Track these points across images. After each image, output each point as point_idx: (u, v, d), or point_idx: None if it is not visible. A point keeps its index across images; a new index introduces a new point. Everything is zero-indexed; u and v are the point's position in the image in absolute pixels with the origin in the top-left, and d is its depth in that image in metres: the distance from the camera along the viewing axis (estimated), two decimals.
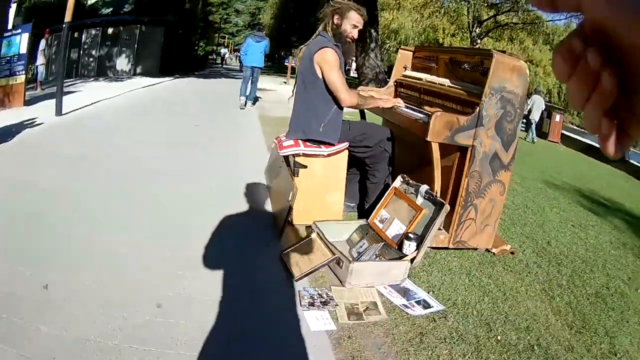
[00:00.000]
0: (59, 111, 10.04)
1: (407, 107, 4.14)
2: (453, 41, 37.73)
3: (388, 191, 3.80)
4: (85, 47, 24.13)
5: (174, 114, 11.45)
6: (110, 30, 22.97)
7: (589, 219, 5.98)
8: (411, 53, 5.10)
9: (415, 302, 2.97)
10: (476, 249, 3.87)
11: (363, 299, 2.91)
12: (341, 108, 3.87)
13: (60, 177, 4.89)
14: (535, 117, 16.83)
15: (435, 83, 4.25)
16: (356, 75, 32.57)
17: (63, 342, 2.21)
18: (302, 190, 3.64)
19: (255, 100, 13.23)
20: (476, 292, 3.23)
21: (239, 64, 51.52)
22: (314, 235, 3.43)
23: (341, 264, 3.06)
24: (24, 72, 12.49)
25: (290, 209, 3.65)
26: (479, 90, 3.56)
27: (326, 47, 3.76)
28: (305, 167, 3.85)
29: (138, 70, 24.67)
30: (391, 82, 5.09)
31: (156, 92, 15.70)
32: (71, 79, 20.21)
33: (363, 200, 4.34)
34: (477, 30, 18.30)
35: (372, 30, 27.13)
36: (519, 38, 23.19)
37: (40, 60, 15.64)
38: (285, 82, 24.56)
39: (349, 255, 3.29)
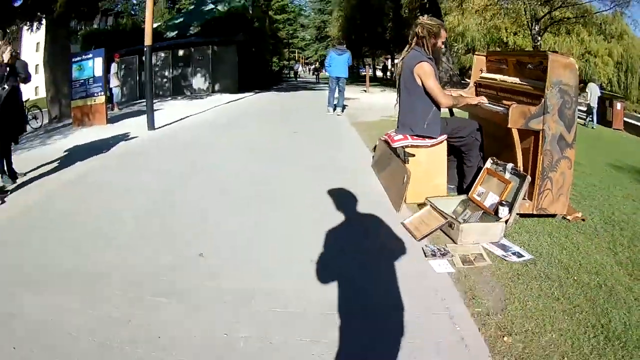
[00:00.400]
0: (151, 126, 10.98)
1: (489, 103, 5.09)
2: (516, 39, 37.48)
3: (482, 171, 4.76)
4: (157, 69, 24.98)
5: (269, 123, 12.39)
6: (180, 52, 24.00)
7: None
8: (484, 58, 6.12)
9: (512, 253, 3.88)
10: (554, 215, 4.75)
11: (472, 252, 3.86)
12: (439, 108, 4.87)
13: (169, 181, 6.06)
14: (593, 103, 17.35)
15: (508, 81, 5.30)
16: None
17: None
18: (412, 175, 4.65)
19: (344, 108, 14.10)
20: (556, 247, 4.10)
21: (315, 76, 52.59)
22: (428, 207, 4.41)
23: (453, 226, 4.04)
24: (102, 93, 13.41)
25: (405, 189, 4.66)
26: (542, 85, 4.50)
27: (422, 61, 4.81)
28: (414, 155, 4.86)
29: (216, 87, 25.67)
30: (471, 84, 6.07)
31: (242, 106, 16.69)
32: (143, 100, 21.61)
33: (462, 181, 5.29)
34: (536, 28, 18.76)
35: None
36: (575, 31, 23.31)
37: (114, 82, 16.81)
38: (365, 91, 25.14)
39: (458, 219, 4.25)
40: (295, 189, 5.68)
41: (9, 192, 6.12)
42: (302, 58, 79.37)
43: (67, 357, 2.52)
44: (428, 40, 4.91)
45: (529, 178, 4.34)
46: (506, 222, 4.20)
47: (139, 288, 3.30)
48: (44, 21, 16.78)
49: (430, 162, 5.00)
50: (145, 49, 11.52)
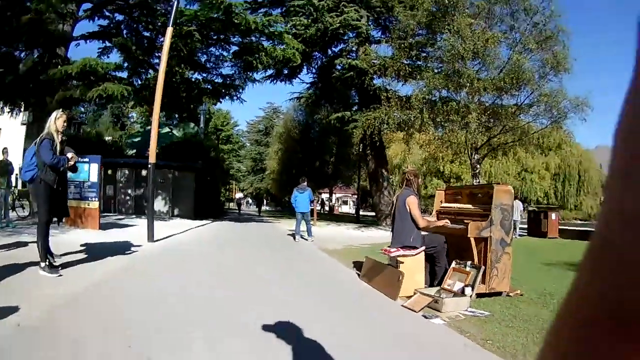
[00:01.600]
0: (151, 237, 12.37)
1: (451, 224, 7.56)
2: (452, 167, 40.45)
3: (449, 269, 7.15)
4: (120, 185, 25.70)
5: (251, 246, 14.08)
6: (143, 172, 23.25)
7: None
8: (443, 192, 8.96)
9: (478, 313, 6.14)
10: (501, 293, 7.13)
11: (452, 315, 6.11)
12: (419, 229, 7.32)
13: (185, 285, 7.13)
14: (516, 217, 19.92)
15: (463, 208, 7.90)
16: (374, 213, 34.89)
17: None
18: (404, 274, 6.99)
19: (309, 233, 16.81)
20: (504, 308, 6.39)
21: (257, 209, 52.33)
22: (418, 294, 6.70)
23: (438, 301, 6.31)
24: (96, 198, 14.46)
25: (398, 288, 6.96)
26: (489, 207, 7.07)
27: (412, 195, 7.39)
28: (402, 262, 7.20)
29: (175, 212, 26.14)
30: (434, 212, 8.65)
31: (214, 231, 18.25)
32: (110, 213, 22.46)
33: (433, 280, 7.60)
34: (476, 157, 21.12)
35: (384, 171, 30.16)
36: (512, 151, 25.43)
37: None
38: (313, 224, 25.45)
39: (441, 297, 6.54)
40: (307, 298, 7.29)
41: (59, 267, 6.96)
42: (237, 189, 78.96)
43: None
44: (414, 182, 7.66)
45: (482, 268, 6.77)
46: (470, 297, 6.50)
47: None
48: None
49: (414, 266, 7.28)
50: (149, 165, 13.14)
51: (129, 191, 25.66)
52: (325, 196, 69.69)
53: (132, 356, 3.80)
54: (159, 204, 25.22)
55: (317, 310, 6.08)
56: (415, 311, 6.24)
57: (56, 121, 6.80)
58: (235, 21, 19.32)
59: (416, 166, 45.09)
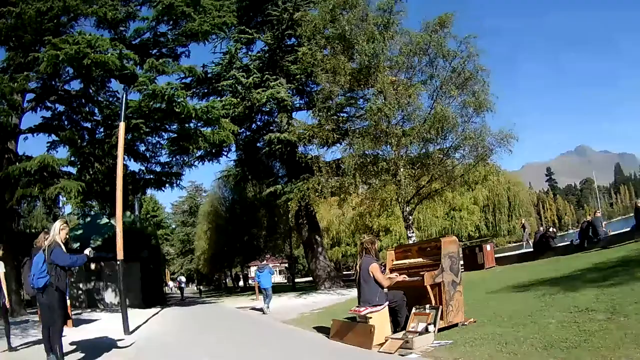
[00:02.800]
0: (127, 330, 12.69)
1: (407, 278, 8.92)
2: (379, 220, 41.35)
3: (411, 315, 8.46)
4: (72, 279, 24.05)
5: (219, 330, 14.45)
6: (93, 266, 22.26)
7: (518, 295, 11.13)
8: (393, 251, 10.48)
9: (443, 344, 7.38)
10: (457, 324, 8.46)
11: (422, 350, 7.32)
12: (383, 288, 8.63)
13: None
14: None
15: (415, 262, 9.44)
16: (311, 278, 35.51)
17: None
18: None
19: (268, 306, 17.98)
20: (463, 335, 7.63)
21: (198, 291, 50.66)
22: (390, 340, 7.89)
23: (408, 341, 7.49)
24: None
25: (371, 338, 8.12)
26: (438, 258, 8.52)
27: (374, 262, 8.73)
28: (371, 317, 8.39)
29: (127, 302, 24.50)
30: (387, 270, 9.87)
31: (177, 318, 18.69)
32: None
33: (396, 328, 8.73)
34: (408, 209, 21.83)
35: (317, 237, 31.31)
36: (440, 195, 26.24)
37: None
38: (254, 299, 26.40)
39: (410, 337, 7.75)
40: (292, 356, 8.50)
41: None
42: (167, 272, 75.18)
43: None
44: (372, 249, 9.03)
45: (440, 307, 8.15)
46: (434, 332, 7.79)
47: None
48: None
49: (381, 319, 8.42)
50: (118, 262, 13.85)
51: (81, 285, 25.29)
52: (254, 269, 69.13)
53: None
54: (110, 296, 25.20)
55: None
56: (391, 353, 7.39)
57: (60, 232, 7.28)
58: (176, 110, 19.52)
59: (345, 226, 46.55)
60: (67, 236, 7.52)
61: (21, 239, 20.74)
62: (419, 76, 22.10)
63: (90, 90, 21.16)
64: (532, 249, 25.85)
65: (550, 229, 28.82)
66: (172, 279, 76.07)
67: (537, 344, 6.22)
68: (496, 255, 26.02)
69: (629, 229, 20.17)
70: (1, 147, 18.42)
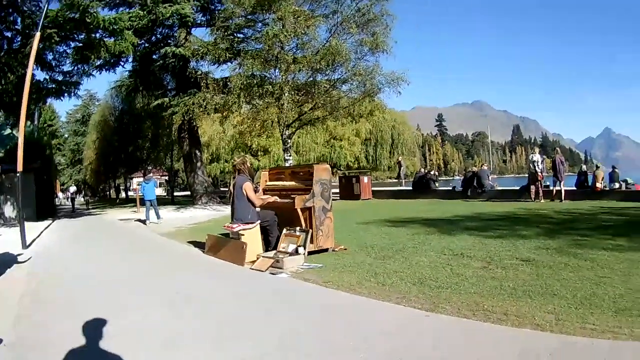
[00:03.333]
0: (24, 245, 12.36)
1: (279, 199, 9.04)
2: (259, 140, 41.34)
3: (282, 235, 8.58)
4: None
5: (105, 240, 14.51)
6: None
7: (391, 230, 11.45)
8: (267, 172, 10.47)
9: (312, 266, 7.56)
10: (327, 249, 8.71)
11: (292, 270, 7.49)
12: (255, 206, 8.68)
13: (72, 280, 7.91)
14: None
15: (287, 185, 9.45)
16: (189, 193, 35.82)
17: None
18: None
19: (159, 217, 19.01)
20: (332, 260, 7.90)
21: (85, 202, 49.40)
22: (261, 258, 8.04)
23: (279, 261, 7.67)
24: None
25: (243, 255, 8.26)
26: (310, 183, 8.59)
27: (247, 181, 8.69)
28: (244, 235, 8.49)
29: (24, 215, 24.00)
30: (261, 190, 9.84)
31: (64, 232, 17.99)
32: None
33: (267, 247, 8.90)
34: (287, 132, 22.39)
35: (197, 152, 30.93)
36: (321, 123, 26.73)
37: None
38: (135, 211, 26.87)
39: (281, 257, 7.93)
40: (170, 273, 7.99)
41: None
42: (58, 183, 72.01)
43: None
44: (244, 170, 8.93)
45: (310, 231, 8.28)
46: (304, 254, 7.98)
47: None
48: None
49: (253, 237, 8.57)
50: (17, 174, 13.31)
51: None
52: (136, 181, 67.01)
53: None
54: (8, 210, 24.37)
55: (183, 278, 7.35)
56: (262, 271, 7.52)
57: None
58: (87, 20, 19.40)
59: (226, 143, 46.37)
60: None
61: None
62: (322, 10, 22.51)
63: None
64: (409, 188, 26.74)
65: (432, 172, 30.00)
66: (62, 190, 72.39)
67: (406, 278, 6.32)
68: (374, 189, 26.77)
69: (517, 188, 21.17)
70: None
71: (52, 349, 4.08)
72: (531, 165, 18.87)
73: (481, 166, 23.40)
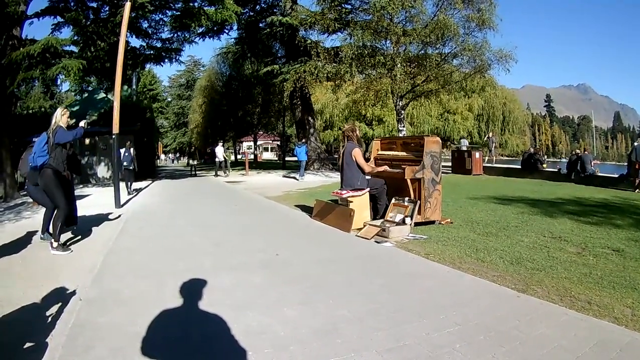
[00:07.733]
0: (117, 204, 12.78)
1: (390, 168, 9.07)
2: (374, 110, 40.81)
3: (390, 204, 8.66)
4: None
5: (205, 198, 15.38)
6: (87, 141, 22.64)
7: (498, 207, 11.23)
8: (379, 141, 10.49)
9: (418, 237, 7.58)
10: (434, 221, 8.69)
11: (397, 239, 7.56)
12: (364, 173, 8.76)
13: (159, 231, 8.43)
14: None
15: (398, 155, 9.43)
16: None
17: None
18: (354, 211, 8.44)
19: (303, 176, 23.27)
20: (438, 233, 7.89)
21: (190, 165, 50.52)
22: (367, 226, 8.13)
23: (385, 230, 7.75)
24: None
25: (350, 221, 8.39)
26: (420, 155, 8.56)
27: (356, 147, 8.79)
28: (352, 201, 8.62)
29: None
30: (372, 159, 10.07)
31: (167, 190, 18.86)
32: None
33: (376, 215, 9.02)
34: (400, 104, 22.31)
35: (310, 118, 31.44)
36: (435, 96, 26.45)
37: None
38: (244, 174, 27.87)
39: (387, 226, 8.00)
40: (279, 233, 8.41)
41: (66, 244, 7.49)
42: (160, 145, 70.97)
43: None
44: (353, 137, 9.04)
45: (418, 202, 8.31)
46: (410, 225, 8.02)
47: None
48: None
49: (361, 204, 8.69)
50: (113, 136, 13.62)
51: None
52: (246, 145, 70.59)
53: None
54: (102, 170, 25.36)
55: (287, 240, 7.61)
56: (368, 238, 7.64)
57: (62, 117, 7.32)
58: None
59: (339, 111, 46.62)
60: (68, 120, 7.54)
61: (18, 122, 21.15)
62: None
63: None
64: (495, 164, 27.05)
65: (540, 152, 29.07)
66: (164, 152, 74.76)
67: (505, 256, 6.35)
68: (484, 165, 26.55)
69: (617, 176, 20.17)
70: (7, 34, 17.97)
71: (143, 305, 4.39)
72: (633, 154, 18.00)
73: (584, 151, 22.33)
